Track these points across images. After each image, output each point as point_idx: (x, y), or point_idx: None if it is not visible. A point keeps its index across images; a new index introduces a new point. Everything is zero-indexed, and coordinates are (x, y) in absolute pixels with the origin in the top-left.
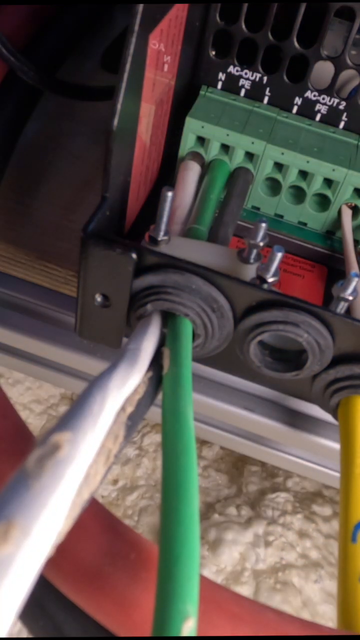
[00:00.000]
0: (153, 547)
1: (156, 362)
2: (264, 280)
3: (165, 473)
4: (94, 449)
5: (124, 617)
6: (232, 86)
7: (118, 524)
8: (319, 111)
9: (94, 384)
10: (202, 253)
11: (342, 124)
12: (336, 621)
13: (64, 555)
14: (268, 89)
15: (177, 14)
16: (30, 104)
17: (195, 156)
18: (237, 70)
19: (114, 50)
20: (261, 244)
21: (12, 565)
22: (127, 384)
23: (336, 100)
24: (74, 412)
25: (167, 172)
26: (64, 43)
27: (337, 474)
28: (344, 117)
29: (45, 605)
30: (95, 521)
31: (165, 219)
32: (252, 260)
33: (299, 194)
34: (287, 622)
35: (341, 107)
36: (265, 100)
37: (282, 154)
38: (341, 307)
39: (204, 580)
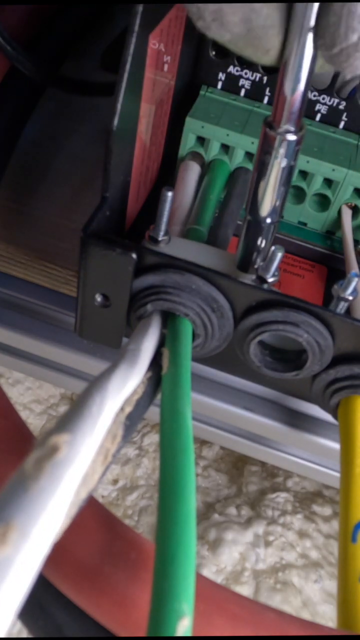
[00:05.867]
0: (153, 546)
1: (156, 362)
2: (264, 280)
3: (163, 472)
4: (92, 450)
5: (124, 617)
6: (232, 86)
7: (118, 523)
8: (319, 111)
9: (94, 386)
10: (202, 255)
11: (342, 124)
12: (336, 621)
13: (64, 555)
14: (268, 89)
15: (177, 14)
16: (30, 103)
17: (195, 156)
18: (237, 70)
19: (114, 50)
20: None
21: (11, 567)
22: (126, 385)
23: (336, 100)
24: (73, 413)
25: (167, 172)
26: (64, 43)
27: (337, 474)
28: (344, 117)
29: (45, 605)
30: (95, 521)
31: (165, 219)
32: None
33: (299, 194)
34: (287, 622)
35: (341, 107)
36: (265, 100)
37: None
38: (341, 307)
39: (204, 580)
